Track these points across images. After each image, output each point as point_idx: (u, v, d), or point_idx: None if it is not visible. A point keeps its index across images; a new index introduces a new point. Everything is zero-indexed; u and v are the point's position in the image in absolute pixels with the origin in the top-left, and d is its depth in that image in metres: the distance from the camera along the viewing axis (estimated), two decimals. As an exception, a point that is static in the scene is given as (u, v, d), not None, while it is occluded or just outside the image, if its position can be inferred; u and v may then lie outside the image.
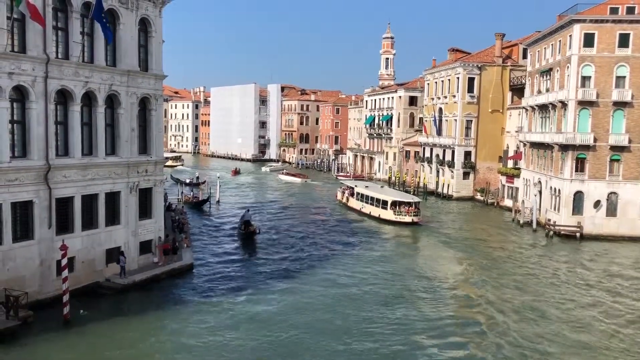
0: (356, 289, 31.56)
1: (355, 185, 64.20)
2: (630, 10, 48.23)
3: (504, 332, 25.46)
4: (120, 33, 29.84)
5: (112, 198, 30.04)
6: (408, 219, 52.70)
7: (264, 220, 52.53)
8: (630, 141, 47.53)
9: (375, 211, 55.94)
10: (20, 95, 25.42)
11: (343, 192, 66.20)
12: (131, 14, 30.28)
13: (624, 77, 47.45)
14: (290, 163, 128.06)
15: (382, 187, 67.81)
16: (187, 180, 76.25)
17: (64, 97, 27.35)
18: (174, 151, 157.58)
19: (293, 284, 32.29)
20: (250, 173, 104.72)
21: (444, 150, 73.56)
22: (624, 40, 47.19)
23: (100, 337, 23.53)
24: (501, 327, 26.21)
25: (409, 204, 53.92)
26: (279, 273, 34.56)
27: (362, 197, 59.58)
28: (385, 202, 54.93)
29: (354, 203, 61.65)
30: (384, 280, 33.65)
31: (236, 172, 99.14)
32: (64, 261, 24.78)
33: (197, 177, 78.83)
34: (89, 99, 28.56)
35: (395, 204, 54.05)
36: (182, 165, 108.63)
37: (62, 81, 26.73)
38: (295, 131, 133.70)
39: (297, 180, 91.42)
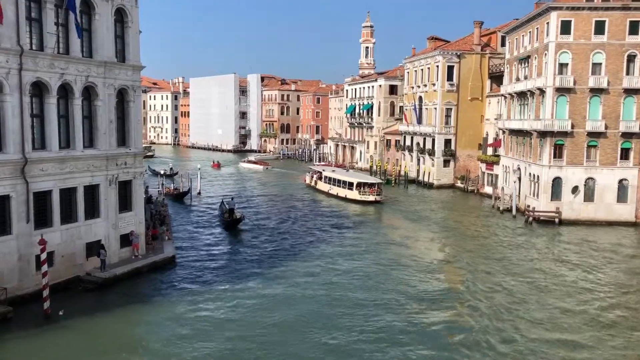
0: (338, 278, 31.71)
1: (324, 170, 70.49)
2: (606, -2, 48.72)
3: (483, 314, 25.86)
4: (96, 23, 29.36)
5: (91, 191, 29.70)
6: (372, 197, 59.02)
7: (246, 208, 53.13)
8: (606, 127, 48.24)
9: (342, 192, 62.07)
10: (-6, 88, 24.93)
11: (312, 176, 71.77)
12: (107, 4, 29.80)
13: (600, 63, 48.05)
14: (270, 152, 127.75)
15: (347, 171, 73.98)
16: (162, 172, 75.94)
17: (39, 89, 26.89)
18: (153, 143, 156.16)
19: (276, 273, 32.40)
20: (231, 164, 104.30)
21: (425, 139, 73.94)
22: (599, 28, 47.72)
23: (81, 332, 23.37)
24: (480, 311, 26.58)
25: (372, 184, 60.68)
26: (262, 262, 34.61)
27: (330, 180, 65.66)
28: (351, 184, 61.05)
29: (322, 186, 67.56)
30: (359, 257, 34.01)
31: (218, 165, 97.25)
32: (43, 256, 24.51)
33: (171, 168, 78.24)
34: (65, 91, 28.12)
35: (360, 185, 60.24)
36: (152, 155, 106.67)
37: (37, 73, 26.27)
38: (276, 121, 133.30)
39: (260, 167, 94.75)
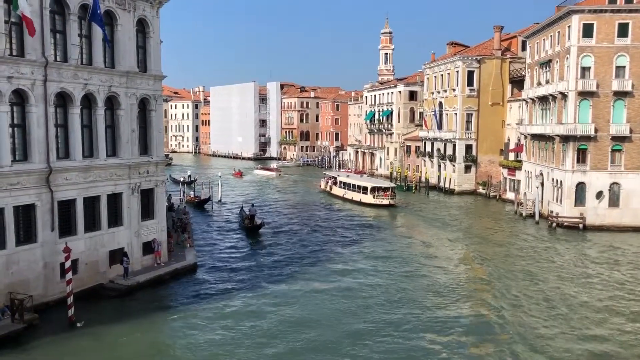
0: (360, 286, 31.56)
1: (338, 175, 72.81)
2: (629, 0, 48.05)
3: (512, 322, 25.50)
4: (118, 34, 29.82)
5: (114, 199, 30.06)
6: (386, 201, 61.11)
7: (264, 213, 53.91)
8: (631, 131, 47.43)
9: (357, 196, 63.90)
10: (19, 98, 25.42)
11: (327, 182, 73.88)
12: (128, 15, 30.25)
13: (624, 66, 47.33)
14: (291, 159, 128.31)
15: (361, 176, 75.46)
16: (181, 179, 76.68)
17: (63, 99, 27.34)
18: (174, 151, 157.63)
19: (298, 279, 32.45)
20: (251, 171, 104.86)
21: (445, 145, 73.47)
22: (623, 30, 47.04)
23: (105, 339, 23.56)
24: (507, 318, 26.23)
25: (386, 189, 62.68)
26: (283, 271, 34.56)
27: (345, 185, 67.54)
28: (365, 188, 63.07)
29: (337, 190, 69.43)
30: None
31: (240, 174, 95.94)
32: (68, 263, 24.81)
33: (189, 176, 78.72)
34: (88, 101, 28.56)
35: (374, 189, 62.19)
36: (170, 164, 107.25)
37: (62, 84, 26.73)
38: (295, 129, 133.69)
39: (272, 174, 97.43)
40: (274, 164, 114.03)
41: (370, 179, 72.04)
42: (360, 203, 62.65)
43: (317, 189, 76.26)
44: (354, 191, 64.92)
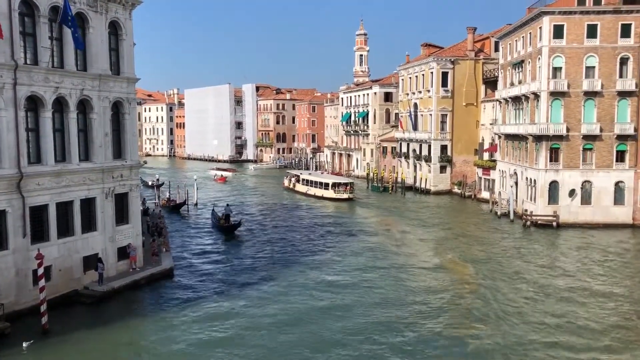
0: (338, 281, 31.63)
1: (301, 173, 79.54)
2: (597, 2, 49.01)
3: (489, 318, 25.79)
4: (90, 37, 29.36)
5: (88, 204, 29.57)
6: (345, 195, 66.93)
7: (237, 213, 54.00)
8: (601, 130, 48.39)
9: (319, 192, 69.79)
10: (-12, 102, 24.85)
11: (290, 180, 79.25)
12: (100, 17, 29.82)
13: (594, 67, 48.27)
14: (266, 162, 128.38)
15: (322, 173, 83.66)
16: (150, 183, 75.92)
17: (34, 103, 26.82)
18: (149, 154, 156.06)
19: (274, 278, 32.50)
20: (207, 172, 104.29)
21: (421, 145, 74.04)
22: (592, 31, 47.99)
23: (79, 347, 23.16)
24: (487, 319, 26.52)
25: (345, 184, 68.92)
26: (259, 271, 34.46)
27: (308, 182, 73.30)
28: (327, 184, 69.03)
29: (300, 187, 75.05)
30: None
31: (224, 179, 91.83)
32: (40, 270, 24.31)
33: (158, 179, 77.81)
34: (60, 104, 28.05)
35: (335, 185, 68.29)
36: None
37: (32, 87, 26.21)
38: (271, 131, 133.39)
39: (229, 174, 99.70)
40: (251, 167, 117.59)
41: (330, 175, 79.49)
42: (322, 198, 68.17)
43: (280, 187, 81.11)
44: (317, 187, 70.63)
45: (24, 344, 22.41)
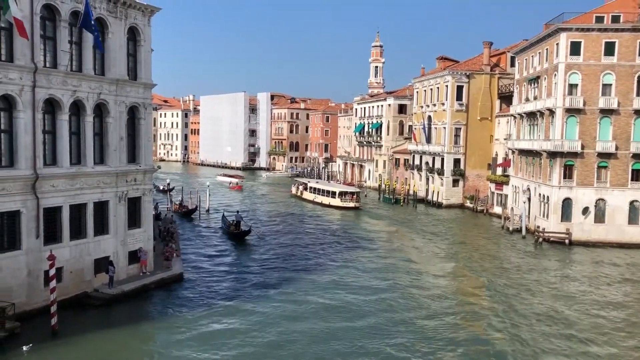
0: (347, 293, 31.52)
1: (309, 181, 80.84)
2: (615, 19, 48.84)
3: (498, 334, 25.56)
4: (109, 42, 29.74)
5: (101, 207, 29.81)
6: (352, 204, 68.04)
7: (246, 219, 54.16)
8: (617, 148, 47.98)
9: (326, 200, 71.09)
10: (7, 104, 25.22)
11: (297, 187, 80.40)
12: (120, 22, 30.22)
13: (610, 84, 47.98)
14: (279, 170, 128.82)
15: (329, 182, 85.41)
16: (161, 187, 76.29)
17: (51, 106, 27.16)
18: (163, 160, 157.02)
19: (284, 285, 32.58)
20: (214, 177, 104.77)
21: (434, 158, 73.85)
22: (609, 49, 47.74)
23: (88, 349, 23.28)
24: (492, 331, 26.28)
25: (352, 193, 70.06)
26: (269, 280, 34.43)
27: (315, 190, 74.56)
28: (334, 193, 70.48)
29: (307, 195, 76.16)
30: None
31: (240, 187, 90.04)
32: (52, 271, 24.51)
33: (168, 184, 78.03)
34: (77, 107, 28.39)
35: (342, 193, 69.57)
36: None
37: (50, 90, 26.56)
38: (285, 139, 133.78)
39: (235, 180, 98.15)
40: (264, 175, 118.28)
41: (337, 184, 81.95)
42: (329, 206, 69.40)
43: (288, 194, 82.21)
44: (324, 195, 71.94)
45: (24, 347, 22.51)
